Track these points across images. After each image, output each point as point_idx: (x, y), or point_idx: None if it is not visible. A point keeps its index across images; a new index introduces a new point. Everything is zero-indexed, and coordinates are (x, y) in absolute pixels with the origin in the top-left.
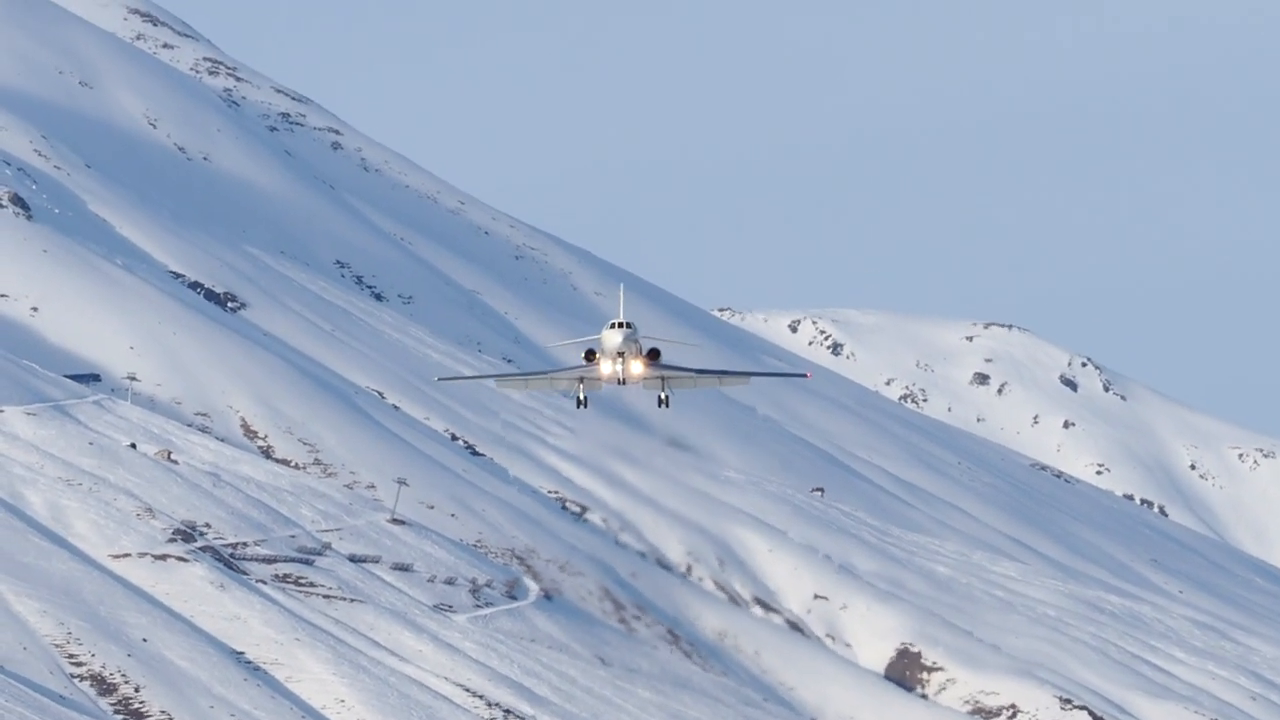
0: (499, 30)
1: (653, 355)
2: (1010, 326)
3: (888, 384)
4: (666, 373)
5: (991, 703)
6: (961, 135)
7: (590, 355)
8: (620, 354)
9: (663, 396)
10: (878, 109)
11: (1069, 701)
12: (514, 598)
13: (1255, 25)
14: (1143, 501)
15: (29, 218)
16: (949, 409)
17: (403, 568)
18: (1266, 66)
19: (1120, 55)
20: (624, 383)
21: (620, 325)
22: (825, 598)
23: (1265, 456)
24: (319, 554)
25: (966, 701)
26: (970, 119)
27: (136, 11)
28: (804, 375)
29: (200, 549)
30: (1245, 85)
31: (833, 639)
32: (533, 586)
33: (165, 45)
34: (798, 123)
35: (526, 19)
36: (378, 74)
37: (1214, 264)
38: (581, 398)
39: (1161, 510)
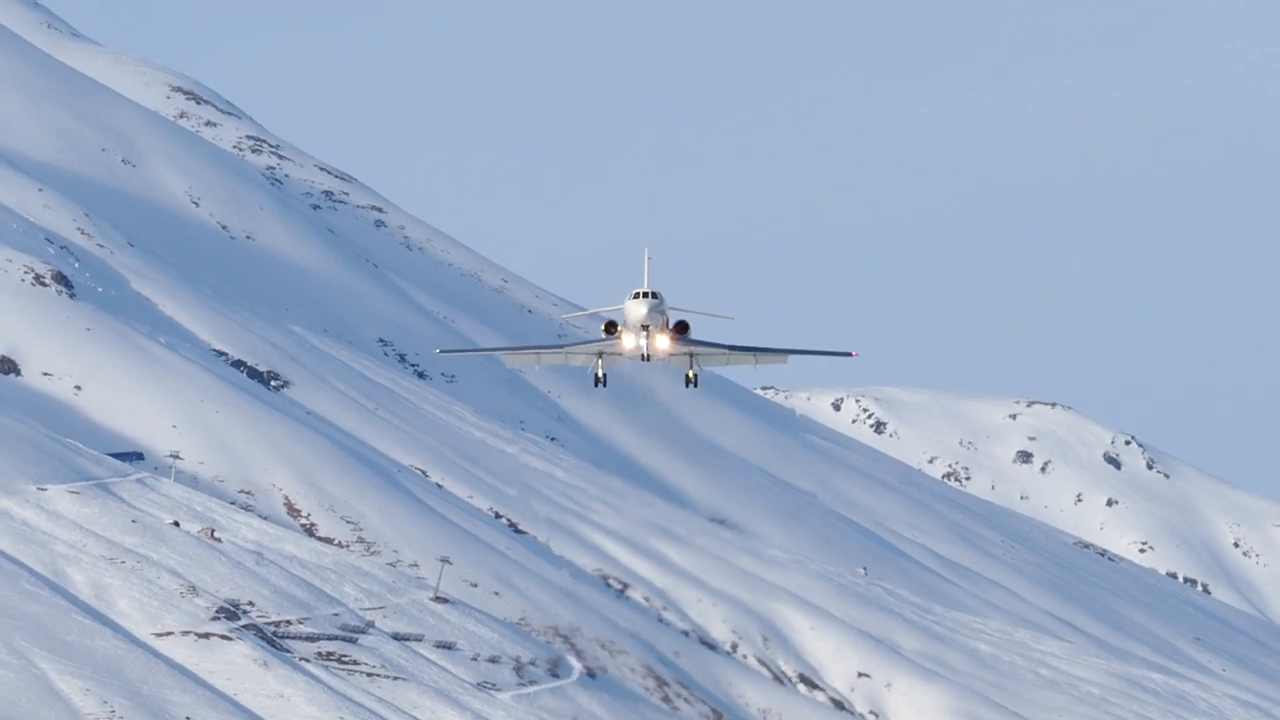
0: (538, 111)
1: (681, 329)
2: (1054, 404)
3: (931, 462)
4: (696, 348)
5: None
6: (1001, 215)
7: (611, 328)
8: (645, 327)
9: (690, 375)
10: (917, 190)
11: None
12: (557, 676)
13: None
14: (1186, 579)
15: (72, 296)
16: (992, 487)
17: (446, 646)
18: None
19: (1154, 132)
20: (648, 359)
21: (645, 295)
22: (869, 675)
23: None
24: (362, 632)
25: None
26: (1009, 199)
27: (179, 89)
28: (849, 355)
29: (243, 627)
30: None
31: (876, 716)
32: (576, 665)
33: (208, 123)
34: (838, 204)
35: (565, 102)
36: (421, 152)
37: (1257, 342)
38: (600, 374)
39: (1205, 588)
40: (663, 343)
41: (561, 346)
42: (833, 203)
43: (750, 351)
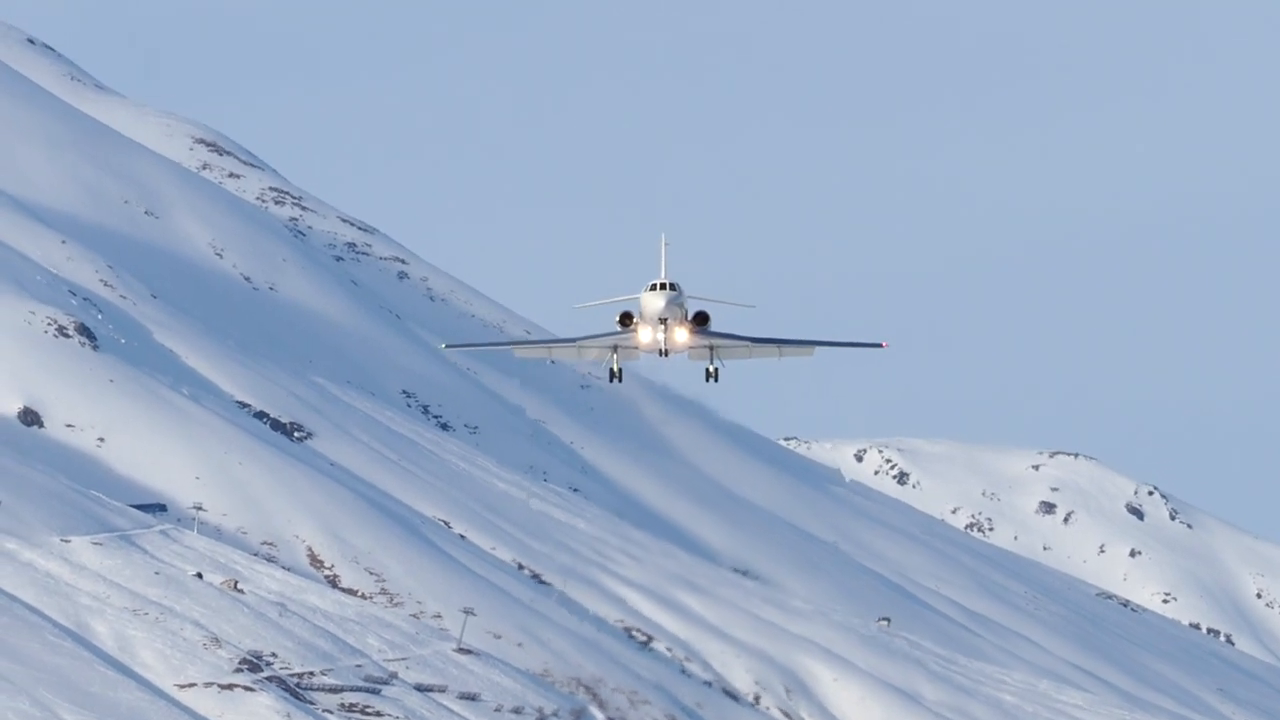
0: (561, 163)
1: (700, 320)
2: (1076, 455)
3: (954, 513)
4: (717, 341)
5: None
6: (1023, 265)
7: (626, 320)
8: (662, 320)
9: (711, 369)
10: (935, 242)
11: None
12: None
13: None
14: (1209, 630)
15: (95, 348)
16: (1015, 538)
17: (469, 697)
18: None
19: (1177, 185)
20: (666, 354)
21: (662, 286)
22: None
23: None
24: (386, 683)
25: None
26: (1031, 249)
27: (202, 141)
28: (880, 345)
29: (267, 679)
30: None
31: None
32: (599, 715)
33: (231, 174)
34: (859, 259)
35: (587, 156)
36: (444, 203)
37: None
38: (615, 369)
39: (1228, 639)
40: (682, 336)
41: (574, 340)
42: (855, 251)
43: (774, 344)
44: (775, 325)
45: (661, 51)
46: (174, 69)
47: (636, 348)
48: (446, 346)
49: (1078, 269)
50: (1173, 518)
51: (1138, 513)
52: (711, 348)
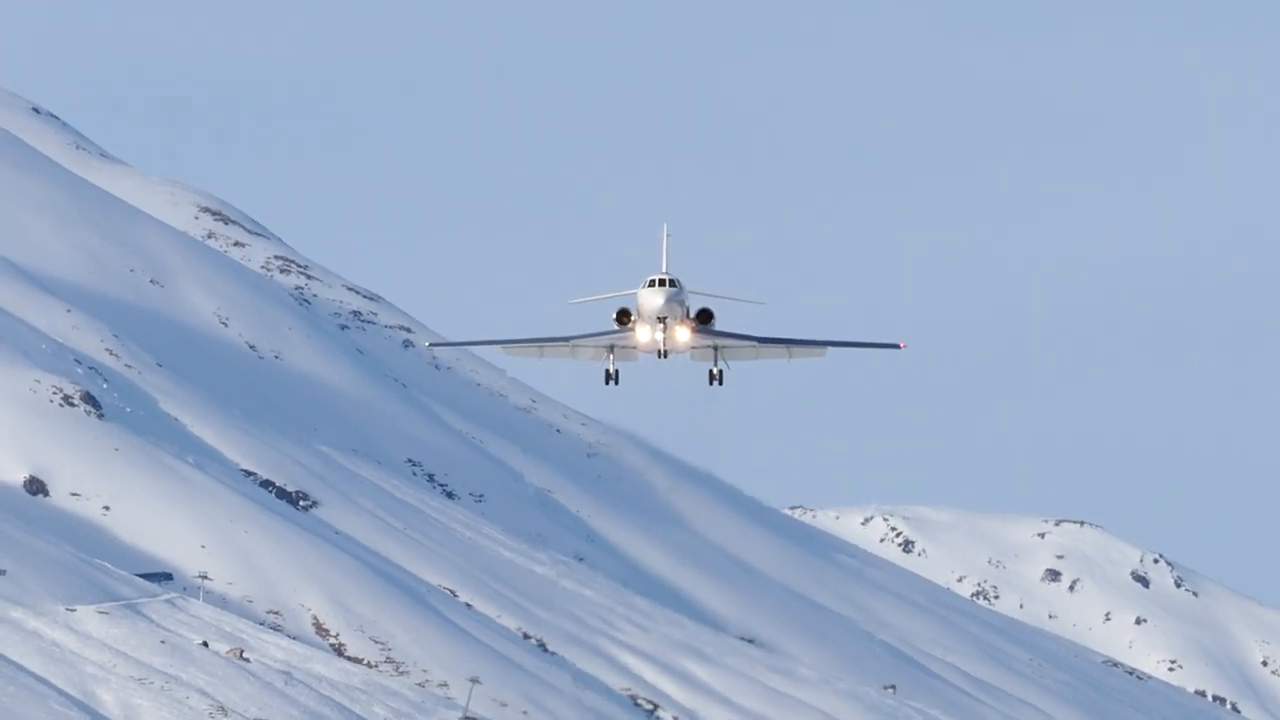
0: (561, 235)
1: (703, 318)
2: (1081, 523)
3: (959, 581)
4: (721, 341)
5: None
6: (1029, 336)
7: (624, 317)
8: (661, 319)
9: (715, 371)
10: (941, 312)
11: None
12: None
13: None
14: (1215, 698)
15: (100, 416)
16: (1021, 605)
17: None
18: None
19: (1185, 255)
20: (665, 354)
21: (662, 282)
22: None
23: None
24: None
25: None
26: (1035, 320)
27: (208, 210)
28: (897, 346)
29: None
30: None
31: None
32: None
33: (236, 243)
34: (867, 329)
35: (593, 226)
36: (449, 272)
37: None
38: (612, 371)
39: (1234, 707)
40: (683, 336)
41: (568, 339)
42: (865, 327)
43: (784, 344)
44: (786, 325)
45: (670, 46)
46: (179, 138)
47: (634, 348)
48: (430, 345)
49: (1086, 337)
50: (1178, 585)
51: (1143, 580)
52: (716, 348)
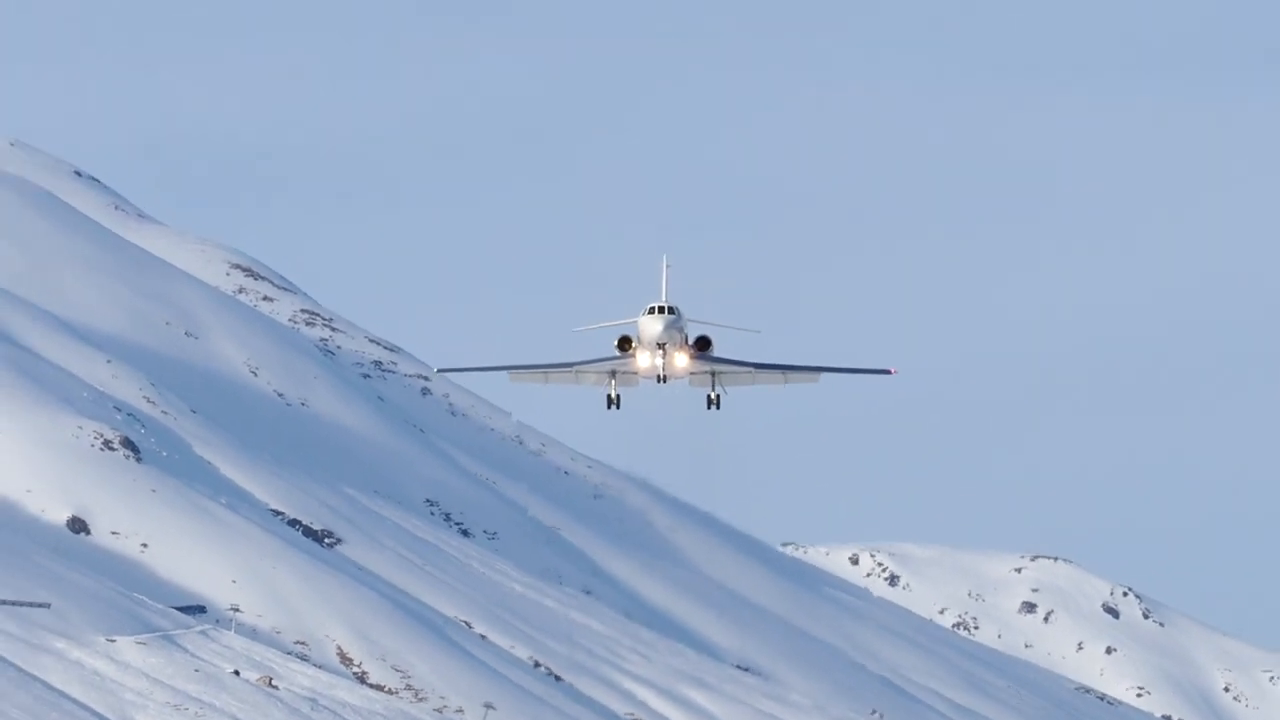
0: (563, 264)
1: (702, 345)
2: (1055, 559)
3: (941, 613)
4: (719, 367)
5: None
6: (1007, 381)
7: (625, 344)
8: (661, 345)
9: (712, 396)
10: (925, 358)
11: None
12: None
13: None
14: None
15: (138, 460)
16: (999, 636)
17: None
18: None
19: (1150, 304)
20: (665, 380)
21: (661, 310)
22: None
23: None
24: None
25: None
26: (1013, 366)
27: (238, 266)
28: (888, 372)
29: None
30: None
31: None
32: None
33: (265, 298)
34: (857, 360)
35: (598, 276)
36: (465, 324)
37: (1247, 501)
38: (613, 395)
39: None
40: (681, 361)
41: (571, 365)
42: (843, 351)
43: (779, 370)
44: (780, 353)
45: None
46: (211, 199)
47: (635, 373)
48: (439, 371)
49: (1060, 383)
50: (1146, 616)
51: (1113, 612)
52: (713, 374)
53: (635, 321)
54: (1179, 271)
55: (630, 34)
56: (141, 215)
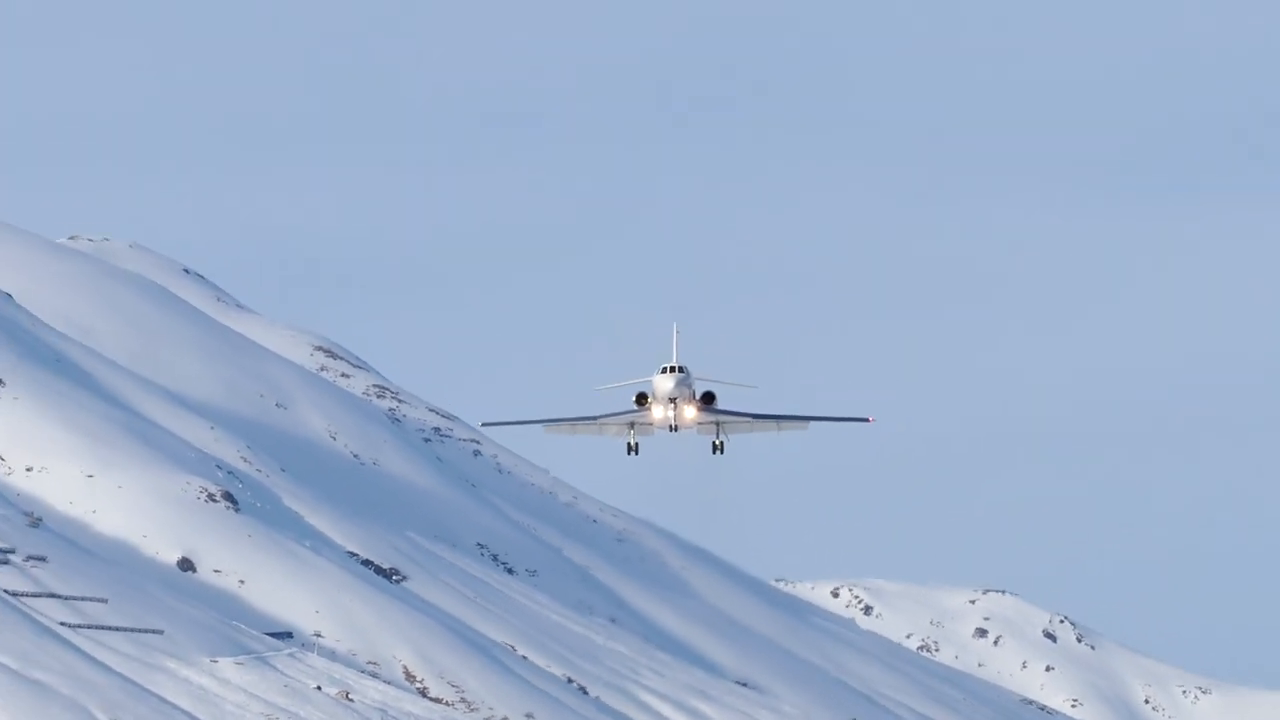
0: (587, 331)
1: (707, 399)
2: (1004, 592)
3: (908, 638)
4: (722, 418)
5: None
6: (964, 436)
7: (641, 399)
8: (672, 400)
9: (717, 442)
10: (897, 418)
11: None
12: None
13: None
14: None
15: (237, 510)
16: (956, 657)
17: None
18: (1217, 362)
19: (1079, 372)
20: (676, 429)
21: (672, 369)
22: None
23: (1203, 693)
24: None
25: None
26: (970, 426)
27: (321, 348)
28: (866, 420)
29: None
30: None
31: None
32: None
33: (343, 374)
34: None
35: (607, 329)
36: (510, 396)
37: (1163, 541)
38: (633, 443)
39: None
40: (690, 414)
41: (596, 418)
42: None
43: (773, 419)
44: (775, 404)
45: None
46: (296, 291)
47: (651, 424)
48: (483, 425)
49: (1008, 443)
50: (1079, 640)
51: (1052, 637)
52: (717, 423)
53: (650, 380)
54: (1107, 349)
55: (646, 141)
56: (239, 306)
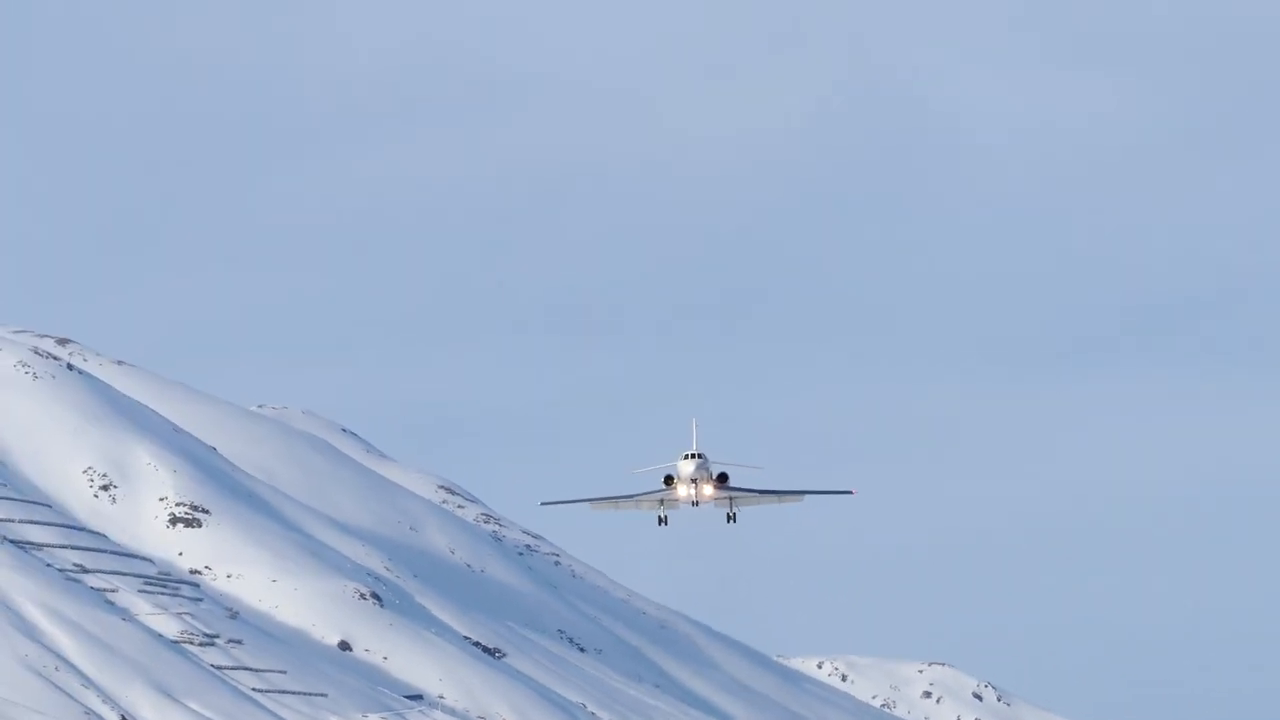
0: (626, 443)
1: (722, 479)
2: (944, 664)
3: (874, 698)
4: (734, 494)
5: None
6: (926, 533)
7: (669, 480)
8: (694, 480)
9: (730, 514)
10: (873, 503)
11: None
12: None
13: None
14: None
15: (381, 605)
16: (909, 712)
17: None
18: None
19: (1012, 500)
20: (697, 504)
21: (693, 456)
22: None
23: None
24: None
25: None
26: (920, 539)
27: (443, 487)
28: (849, 493)
29: None
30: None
31: None
32: None
33: (459, 505)
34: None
35: (640, 427)
36: (563, 473)
37: (1074, 618)
38: (663, 516)
39: None
40: (708, 491)
41: (632, 496)
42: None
43: (774, 494)
44: (777, 482)
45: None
46: (427, 443)
47: (676, 500)
48: (543, 504)
49: (956, 538)
50: (999, 700)
51: (979, 697)
52: (731, 498)
53: (675, 464)
54: (1032, 488)
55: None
56: (383, 455)
